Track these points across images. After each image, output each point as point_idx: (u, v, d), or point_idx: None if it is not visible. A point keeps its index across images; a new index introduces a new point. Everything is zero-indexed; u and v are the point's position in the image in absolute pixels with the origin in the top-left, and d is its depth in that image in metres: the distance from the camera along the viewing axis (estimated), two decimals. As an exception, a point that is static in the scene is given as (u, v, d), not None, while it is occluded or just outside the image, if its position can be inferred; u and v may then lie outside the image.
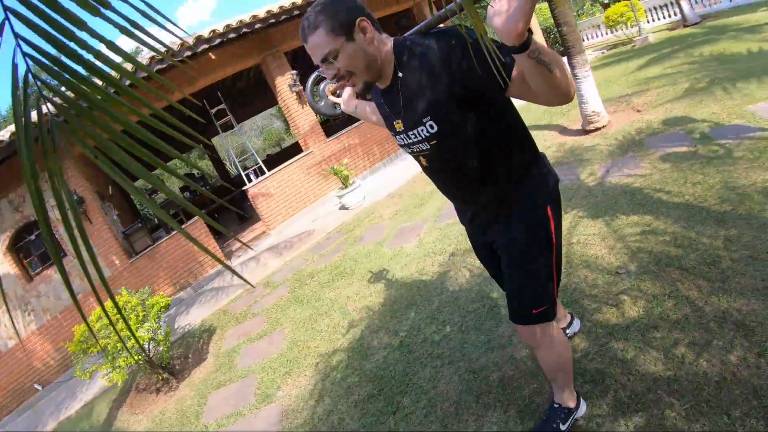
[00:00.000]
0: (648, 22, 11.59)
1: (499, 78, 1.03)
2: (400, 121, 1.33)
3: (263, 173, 7.40)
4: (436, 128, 1.24)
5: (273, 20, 6.28)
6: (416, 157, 1.43)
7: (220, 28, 5.84)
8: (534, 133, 5.92)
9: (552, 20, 12.54)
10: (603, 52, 10.91)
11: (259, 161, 7.82)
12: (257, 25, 6.16)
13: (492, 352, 2.38)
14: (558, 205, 1.44)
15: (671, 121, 4.55)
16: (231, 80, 7.71)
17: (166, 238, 6.04)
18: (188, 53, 5.60)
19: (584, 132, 5.41)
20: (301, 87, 7.36)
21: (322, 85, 1.97)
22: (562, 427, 1.68)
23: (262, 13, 6.20)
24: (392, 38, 1.28)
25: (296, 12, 6.53)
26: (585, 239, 3.07)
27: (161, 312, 3.77)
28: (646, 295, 2.30)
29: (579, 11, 20.53)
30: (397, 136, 1.39)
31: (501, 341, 2.44)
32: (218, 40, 5.83)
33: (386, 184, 7.05)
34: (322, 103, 1.97)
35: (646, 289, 2.34)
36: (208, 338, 4.53)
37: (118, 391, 4.40)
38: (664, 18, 11.37)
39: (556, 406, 1.73)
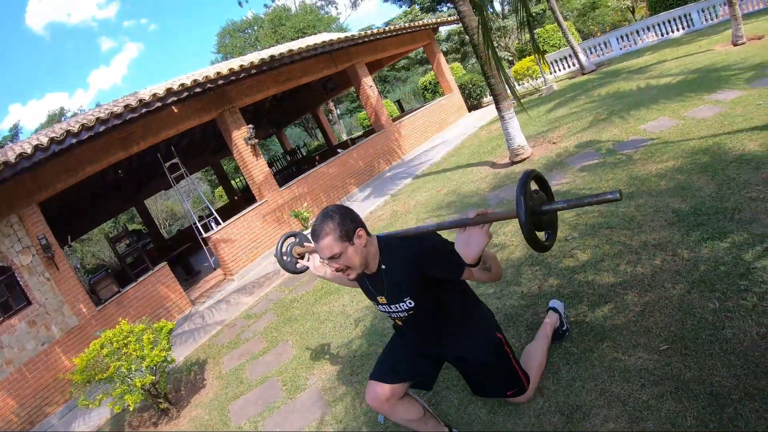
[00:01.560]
0: (551, 73, 14.11)
1: (455, 276, 1.64)
2: (383, 297, 1.83)
3: (219, 223, 7.81)
4: (413, 303, 1.79)
5: (233, 77, 7.07)
6: (393, 319, 1.98)
7: (188, 83, 6.49)
8: (469, 170, 7.23)
9: (466, 78, 14.72)
10: (514, 102, 12.98)
11: (213, 212, 8.23)
12: (219, 81, 6.90)
13: (492, 304, 3.21)
14: (501, 331, 2.05)
15: (582, 144, 5.98)
16: (182, 135, 8.19)
17: (133, 284, 6.17)
18: (158, 104, 6.15)
19: (512, 163, 6.73)
20: (256, 141, 8.08)
21: (287, 246, 2.33)
22: (563, 329, 2.48)
23: (224, 70, 6.98)
24: (376, 237, 1.78)
25: (254, 71, 7.39)
26: (538, 227, 4.11)
27: (169, 334, 4.10)
28: (590, 246, 3.35)
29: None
30: (380, 306, 1.90)
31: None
32: (185, 93, 6.46)
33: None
34: (288, 259, 2.32)
35: (589, 243, 3.39)
36: (200, 369, 4.80)
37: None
38: (565, 69, 13.93)
39: (563, 329, 2.49)
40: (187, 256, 9.07)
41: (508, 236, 4.27)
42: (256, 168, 8.15)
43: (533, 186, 1.36)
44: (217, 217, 8.19)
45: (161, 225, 17.68)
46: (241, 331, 5.28)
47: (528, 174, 1.31)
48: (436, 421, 2.12)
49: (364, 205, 8.51)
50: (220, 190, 18.56)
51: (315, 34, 21.81)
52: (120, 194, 11.83)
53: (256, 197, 8.34)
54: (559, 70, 14.14)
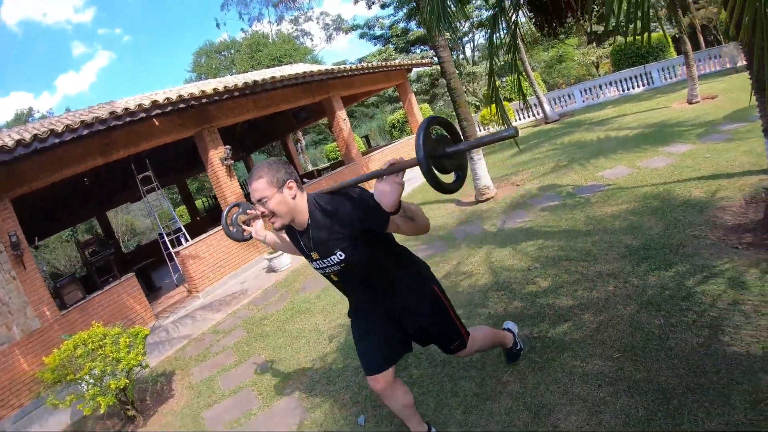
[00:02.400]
0: (516, 120, 15.00)
1: (379, 225, 1.72)
2: (315, 252, 1.89)
3: (187, 239, 7.84)
4: (344, 255, 1.83)
5: (217, 97, 7.30)
6: (328, 276, 2.00)
7: (174, 97, 6.67)
8: (437, 207, 7.66)
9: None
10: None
11: (182, 228, 8.25)
12: (203, 100, 7.11)
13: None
14: (437, 282, 2.16)
15: (544, 188, 6.53)
16: (156, 150, 8.25)
17: (99, 292, 6.08)
18: (143, 115, 6.28)
19: (478, 202, 7.21)
20: (232, 161, 8.26)
21: (234, 215, 2.45)
22: (516, 348, 2.72)
23: (208, 89, 7.20)
24: (309, 195, 1.87)
25: (236, 93, 7.67)
26: (501, 258, 4.53)
27: (144, 339, 4.15)
28: (550, 275, 3.75)
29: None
30: (314, 262, 1.95)
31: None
32: (170, 108, 6.62)
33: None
34: (234, 229, 2.43)
35: (550, 272, 3.80)
36: (167, 380, 4.80)
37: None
38: (529, 117, 14.87)
39: (517, 349, 2.73)
40: (149, 270, 8.95)
41: (475, 265, 4.64)
42: (229, 188, 8.29)
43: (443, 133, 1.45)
44: (185, 233, 8.21)
45: (120, 239, 17.18)
46: (210, 346, 5.32)
47: (429, 120, 1.38)
48: (419, 417, 2.37)
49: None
50: (182, 209, 18.31)
51: (290, 63, 22.39)
52: (86, 202, 11.58)
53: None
54: (524, 118, 15.13)
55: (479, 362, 2.95)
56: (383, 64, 12.72)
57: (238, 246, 8.19)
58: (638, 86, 13.47)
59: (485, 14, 23.41)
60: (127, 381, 3.88)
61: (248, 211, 2.41)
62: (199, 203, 19.22)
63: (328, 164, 21.41)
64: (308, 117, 15.74)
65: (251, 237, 2.41)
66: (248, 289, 7.09)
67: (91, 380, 3.77)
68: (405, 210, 1.61)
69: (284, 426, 3.16)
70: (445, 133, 1.46)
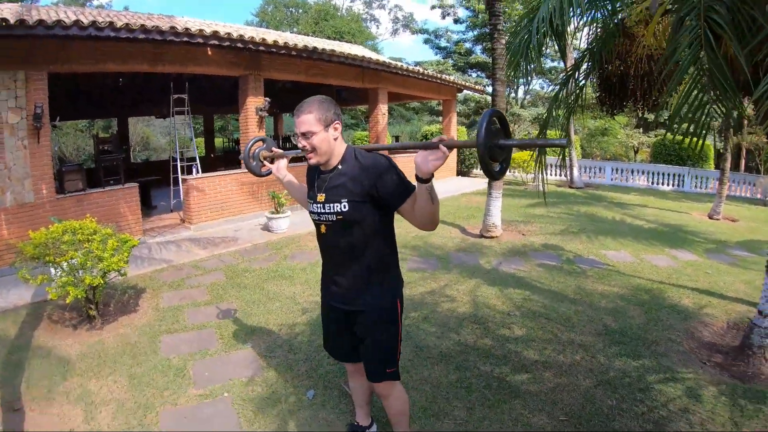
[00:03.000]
0: (543, 174, 15.11)
1: (395, 198, 1.76)
2: (323, 194, 1.89)
3: (198, 171, 7.97)
4: (347, 207, 1.82)
5: (274, 49, 7.44)
6: (318, 225, 1.95)
7: (234, 34, 6.82)
8: (442, 228, 7.80)
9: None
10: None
11: (197, 159, 8.38)
12: (261, 47, 7.25)
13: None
14: (402, 300, 2.08)
15: (547, 246, 6.67)
16: (200, 77, 8.37)
17: (100, 190, 6.19)
18: (200, 40, 6.42)
19: (482, 236, 7.34)
20: (266, 114, 8.39)
21: (256, 150, 2.47)
22: None
23: (270, 39, 7.34)
24: (349, 145, 1.92)
25: (293, 53, 7.80)
26: (486, 295, 4.68)
27: (130, 250, 4.27)
28: (526, 326, 3.90)
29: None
30: (314, 204, 1.93)
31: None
32: (227, 43, 6.76)
33: (309, 224, 8.16)
34: (254, 162, 2.46)
35: (527, 324, 3.94)
36: (136, 295, 4.90)
37: (24, 315, 4.47)
38: (557, 175, 15.00)
39: None
40: (150, 187, 9.06)
41: (460, 293, 4.77)
42: (253, 137, 8.43)
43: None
44: (198, 165, 8.33)
45: (132, 148, 17.30)
46: (187, 277, 5.43)
47: (492, 112, 1.49)
48: (369, 410, 2.52)
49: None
50: (200, 141, 18.43)
51: (351, 42, 22.51)
52: (114, 102, 11.68)
53: (244, 168, 8.58)
54: (551, 174, 15.28)
55: (434, 379, 3.08)
56: (438, 75, 12.86)
57: (242, 196, 8.31)
58: (668, 184, 13.63)
59: (549, 64, 23.60)
60: (102, 281, 3.99)
61: (272, 149, 2.44)
62: (218, 141, 19.31)
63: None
64: (349, 99, 15.87)
65: (269, 173, 2.46)
66: (239, 238, 7.21)
67: (68, 269, 3.87)
68: (431, 188, 1.64)
69: (235, 375, 3.27)
70: (500, 127, 1.56)
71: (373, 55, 12.34)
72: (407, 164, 13.42)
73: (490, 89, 21.85)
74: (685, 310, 4.31)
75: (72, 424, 2.77)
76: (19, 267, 4.03)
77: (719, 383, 3.06)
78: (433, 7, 24.52)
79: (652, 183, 13.88)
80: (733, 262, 6.04)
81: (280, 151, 2.39)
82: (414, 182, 1.70)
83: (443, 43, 26.17)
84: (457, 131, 16.23)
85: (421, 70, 11.93)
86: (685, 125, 2.48)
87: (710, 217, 9.29)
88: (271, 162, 2.42)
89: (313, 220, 1.98)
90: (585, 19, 3.12)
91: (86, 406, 2.96)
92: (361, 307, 1.99)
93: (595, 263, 5.84)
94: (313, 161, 1.86)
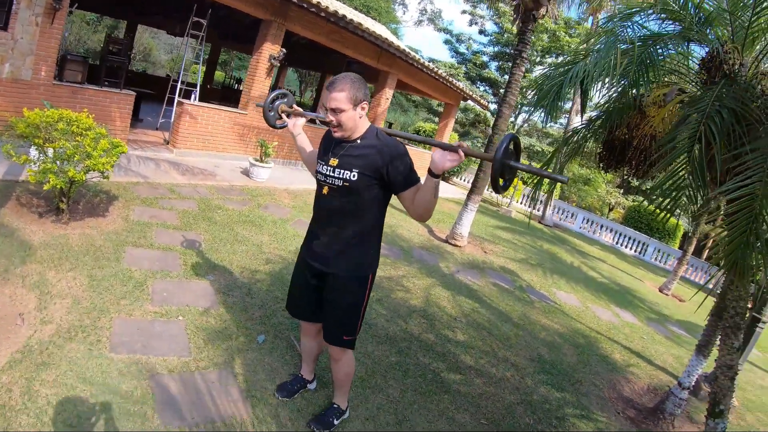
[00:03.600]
0: (518, 202, 15.59)
1: (401, 183, 1.95)
2: (337, 160, 2.00)
3: (194, 97, 7.87)
4: (356, 177, 1.95)
5: (305, 5, 7.38)
6: (322, 185, 2.08)
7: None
8: (412, 221, 7.96)
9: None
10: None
11: (198, 86, 8.26)
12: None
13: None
14: (374, 276, 2.22)
15: (505, 269, 7.00)
16: (227, 8, 8.20)
17: (97, 88, 6.02)
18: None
19: (446, 242, 7.61)
20: (277, 64, 8.34)
21: (277, 102, 2.55)
22: (335, 422, 2.42)
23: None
24: (372, 124, 2.05)
25: (322, 14, 7.77)
26: (438, 296, 4.94)
27: (118, 156, 4.26)
28: (468, 334, 4.17)
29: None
30: (325, 166, 2.04)
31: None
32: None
33: (290, 181, 8.23)
34: (272, 113, 2.54)
35: (469, 332, 4.21)
36: (108, 201, 4.88)
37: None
38: (530, 208, 15.40)
39: (335, 405, 2.47)
40: (141, 100, 8.83)
41: (415, 287, 5.00)
42: (259, 84, 8.36)
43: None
44: (197, 92, 8.22)
45: (134, 56, 16.64)
46: (161, 197, 5.42)
47: (511, 136, 1.66)
48: (314, 367, 2.70)
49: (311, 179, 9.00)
50: (196, 68, 17.95)
51: (377, 20, 22.32)
52: (130, 4, 11.25)
53: (240, 106, 8.50)
54: (526, 205, 15.76)
55: (376, 356, 3.28)
56: (449, 78, 12.97)
57: (230, 135, 8.26)
58: (631, 249, 14.31)
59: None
60: (83, 178, 3.98)
61: (293, 105, 2.56)
62: (218, 74, 18.83)
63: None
64: (358, 72, 15.79)
65: (284, 126, 2.55)
66: (218, 175, 7.19)
67: (53, 157, 3.85)
68: (438, 184, 1.81)
69: (192, 303, 3.36)
70: (513, 151, 1.73)
71: (394, 39, 12.33)
72: (415, 156, 13.58)
73: (493, 106, 22.23)
74: (614, 363, 4.68)
75: (23, 308, 2.81)
76: (5, 141, 3.97)
77: (628, 428, 3.40)
78: (463, 12, 24.53)
79: (617, 242, 14.51)
80: (669, 336, 6.52)
81: (300, 110, 2.48)
82: (424, 175, 1.84)
83: (462, 49, 26.27)
84: (450, 136, 16.47)
85: (434, 68, 12.00)
86: (662, 199, 2.74)
87: (660, 291, 9.89)
88: (288, 117, 2.50)
89: (318, 180, 2.10)
90: (610, 87, 3.39)
91: (41, 294, 2.99)
92: (335, 269, 2.13)
93: (545, 298, 6.19)
94: (338, 134, 1.98)
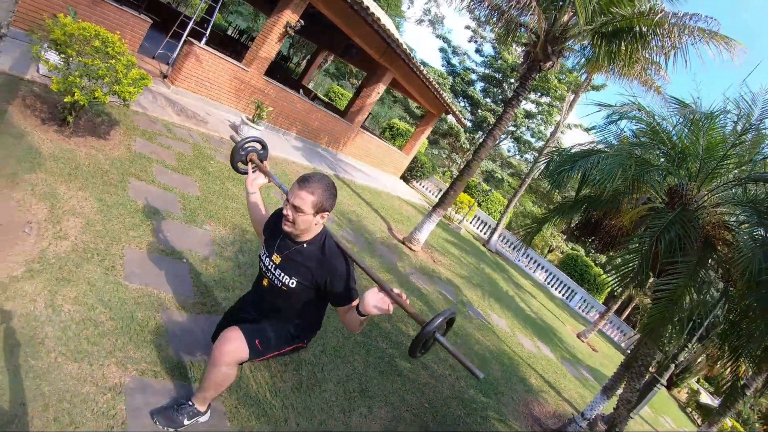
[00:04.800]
0: (470, 222, 16.44)
1: (337, 301, 1.91)
2: (279, 258, 1.96)
3: (204, 40, 7.87)
4: (294, 285, 1.93)
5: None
6: (262, 276, 2.05)
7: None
8: (375, 216, 8.45)
9: (424, 157, 16.50)
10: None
11: (209, 29, 8.23)
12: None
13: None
14: (299, 343, 2.16)
15: (450, 282, 7.71)
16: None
17: (116, 5, 5.82)
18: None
19: (403, 243, 8.14)
20: (290, 33, 8.46)
21: (250, 147, 2.41)
22: (185, 422, 2.11)
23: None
24: (324, 229, 1.97)
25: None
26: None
27: (143, 89, 4.37)
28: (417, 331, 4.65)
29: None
30: (268, 259, 2.00)
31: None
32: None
33: (272, 147, 8.42)
34: (243, 153, 2.38)
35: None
36: (110, 124, 4.92)
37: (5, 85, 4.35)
38: (478, 228, 16.31)
39: (190, 403, 2.15)
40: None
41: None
42: (268, 47, 8.45)
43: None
44: (207, 36, 8.20)
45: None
46: (159, 134, 5.51)
47: (453, 313, 1.72)
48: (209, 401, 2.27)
49: (292, 151, 9.24)
50: (198, 0, 17.31)
51: (384, 9, 22.41)
52: None
53: (244, 63, 8.55)
54: (475, 225, 16.66)
55: (346, 333, 3.71)
56: (439, 90, 13.38)
57: (228, 88, 8.31)
58: (560, 292, 15.54)
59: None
60: (106, 100, 4.07)
61: (263, 162, 2.43)
62: (224, 19, 18.18)
63: (324, 98, 21.39)
64: (354, 58, 15.96)
65: (243, 173, 2.41)
66: (209, 123, 7.27)
67: (82, 71, 3.90)
68: (365, 321, 1.84)
69: (193, 248, 3.63)
70: (446, 327, 1.74)
71: (399, 37, 12.63)
72: (386, 152, 14.04)
73: (468, 123, 23.02)
74: (530, 386, 5.40)
75: (32, 216, 2.89)
76: (34, 42, 3.99)
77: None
78: (467, 27, 25.07)
79: (548, 283, 15.69)
80: (578, 377, 7.47)
81: (267, 169, 2.36)
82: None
83: (455, 61, 26.91)
84: (423, 144, 17.05)
85: (430, 77, 12.44)
86: (615, 274, 3.48)
87: (578, 336, 11.01)
88: (253, 170, 2.37)
89: (261, 268, 2.07)
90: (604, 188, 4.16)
91: (52, 207, 3.09)
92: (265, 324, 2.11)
93: (480, 316, 6.87)
94: (287, 229, 1.90)
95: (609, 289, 16.55)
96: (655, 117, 4.35)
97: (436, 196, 17.12)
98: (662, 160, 4.23)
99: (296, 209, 1.83)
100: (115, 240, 3.14)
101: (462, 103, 26.75)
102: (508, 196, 22.17)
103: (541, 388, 5.60)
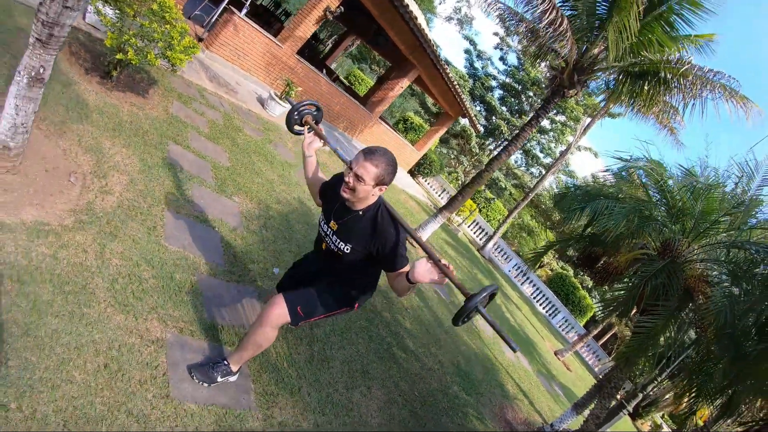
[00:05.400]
0: (467, 225, 16.69)
1: (388, 266, 2.02)
2: (336, 225, 2.08)
3: (246, 10, 7.98)
4: (349, 251, 2.06)
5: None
6: (321, 239, 2.20)
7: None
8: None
9: (434, 156, 16.70)
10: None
11: (248, 2, 8.33)
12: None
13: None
14: (354, 306, 2.33)
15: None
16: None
17: None
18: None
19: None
20: (329, 17, 8.57)
21: (306, 110, 2.47)
22: (218, 378, 2.28)
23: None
24: (380, 199, 2.06)
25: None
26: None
27: (191, 57, 4.52)
28: (413, 325, 4.92)
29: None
30: (326, 225, 2.15)
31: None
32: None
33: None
34: (297, 115, 2.45)
35: (413, 323, 4.95)
36: (148, 82, 5.05)
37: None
38: (474, 234, 16.58)
39: (225, 363, 2.31)
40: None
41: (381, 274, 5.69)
42: (305, 28, 8.58)
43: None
44: (248, 7, 8.30)
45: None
46: (193, 99, 5.66)
47: (495, 289, 1.79)
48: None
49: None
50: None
51: (418, 3, 22.33)
52: None
53: (279, 39, 8.65)
54: (472, 230, 16.94)
55: (352, 316, 3.94)
56: (459, 92, 13.42)
57: (259, 62, 8.43)
58: (544, 308, 15.70)
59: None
60: (157, 63, 4.23)
61: (319, 127, 2.47)
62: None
63: (345, 83, 21.41)
64: (381, 48, 15.99)
65: (299, 134, 2.52)
66: (238, 93, 7.42)
67: (138, 32, 4.04)
68: (413, 288, 1.95)
69: (223, 217, 3.82)
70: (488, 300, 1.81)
71: (429, 34, 12.69)
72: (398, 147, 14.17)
73: (481, 128, 23.16)
74: (506, 392, 5.71)
75: (76, 167, 2.99)
76: (96, -5, 4.11)
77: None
78: (495, 34, 25.02)
79: (534, 297, 15.80)
80: (550, 391, 7.85)
81: (323, 132, 2.43)
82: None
83: (477, 65, 26.94)
84: (433, 142, 17.15)
85: (454, 81, 12.53)
86: (605, 306, 3.86)
87: (556, 354, 11.41)
88: (309, 131, 2.44)
89: (319, 232, 2.25)
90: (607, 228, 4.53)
91: (98, 160, 3.22)
92: (320, 284, 2.27)
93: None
94: (345, 196, 1.98)
95: (592, 313, 16.94)
96: (663, 175, 4.79)
97: (439, 196, 17.36)
98: (662, 209, 4.63)
99: (358, 178, 1.90)
100: (156, 201, 3.30)
101: (478, 107, 26.84)
102: (508, 206, 22.43)
103: (515, 396, 5.90)
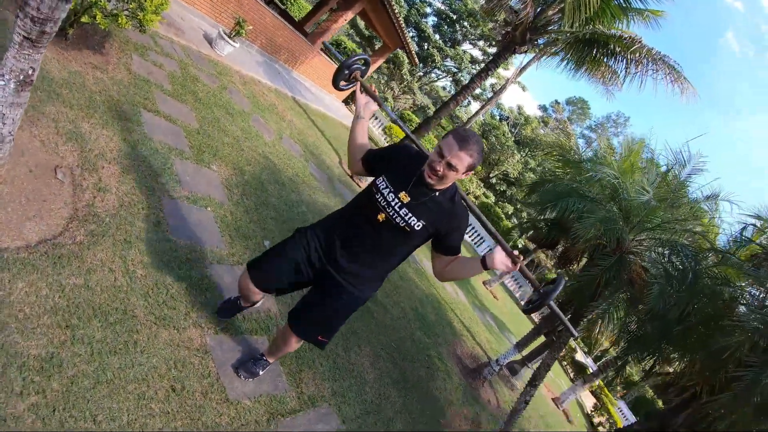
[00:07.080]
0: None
1: (453, 240, 1.98)
2: (408, 197, 1.87)
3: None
4: (418, 228, 1.88)
5: None
6: (379, 210, 1.91)
7: None
8: (327, 147, 8.70)
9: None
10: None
11: None
12: None
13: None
14: (373, 295, 2.30)
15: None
16: None
17: None
18: None
19: (352, 179, 8.58)
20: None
21: (355, 66, 2.28)
22: (260, 372, 2.51)
23: None
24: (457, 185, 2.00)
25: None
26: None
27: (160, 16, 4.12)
28: (388, 280, 5.37)
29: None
30: (392, 194, 1.89)
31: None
32: None
33: (241, 63, 8.05)
34: (347, 72, 2.26)
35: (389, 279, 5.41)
36: (102, 33, 4.53)
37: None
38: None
39: (264, 358, 2.52)
40: None
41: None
42: None
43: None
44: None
45: None
46: (148, 49, 5.09)
47: (563, 283, 1.85)
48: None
49: (256, 67, 8.96)
50: None
51: None
52: None
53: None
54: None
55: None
56: (404, 29, 12.93)
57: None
58: (470, 237, 16.50)
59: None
60: (127, 26, 3.84)
61: (372, 87, 2.23)
62: None
63: (281, 6, 19.61)
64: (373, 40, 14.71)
65: (346, 89, 2.37)
66: (185, 32, 6.76)
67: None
68: (479, 273, 1.96)
69: (209, 192, 3.77)
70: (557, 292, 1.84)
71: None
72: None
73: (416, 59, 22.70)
74: (454, 329, 6.51)
75: (60, 160, 2.71)
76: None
77: (459, 377, 5.10)
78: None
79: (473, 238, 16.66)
80: (485, 323, 9.02)
81: (376, 93, 2.20)
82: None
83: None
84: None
85: (399, 16, 12.08)
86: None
87: (484, 284, 12.58)
88: (360, 91, 2.20)
89: (377, 200, 1.93)
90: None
91: (82, 149, 2.93)
92: (344, 281, 2.04)
93: (416, 261, 7.80)
94: (431, 181, 1.85)
95: (513, 243, 18.60)
96: (617, 181, 5.55)
97: (373, 125, 17.23)
98: (616, 209, 5.39)
99: (450, 166, 1.79)
100: (150, 190, 3.15)
101: (411, 33, 26.11)
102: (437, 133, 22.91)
103: (461, 332, 6.74)
